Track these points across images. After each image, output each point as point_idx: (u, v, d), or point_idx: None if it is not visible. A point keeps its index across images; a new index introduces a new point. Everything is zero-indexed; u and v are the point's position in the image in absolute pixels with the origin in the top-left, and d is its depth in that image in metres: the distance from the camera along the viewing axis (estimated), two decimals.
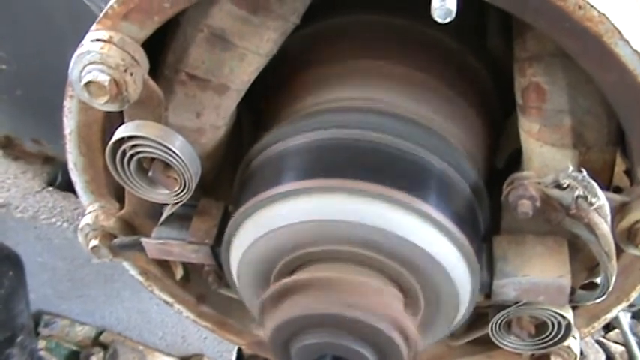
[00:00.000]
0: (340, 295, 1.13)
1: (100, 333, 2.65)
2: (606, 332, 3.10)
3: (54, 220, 2.39)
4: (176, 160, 1.20)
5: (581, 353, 2.88)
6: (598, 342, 3.02)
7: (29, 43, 2.28)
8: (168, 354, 2.64)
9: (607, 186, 1.26)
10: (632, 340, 2.89)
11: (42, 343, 2.57)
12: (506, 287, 1.25)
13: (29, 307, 2.41)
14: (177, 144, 1.20)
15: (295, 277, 1.19)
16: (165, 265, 1.56)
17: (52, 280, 2.50)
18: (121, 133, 1.19)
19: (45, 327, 2.60)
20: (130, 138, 1.19)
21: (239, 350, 2.66)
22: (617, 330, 3.02)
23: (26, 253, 2.36)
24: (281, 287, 1.17)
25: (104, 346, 2.60)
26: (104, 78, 1.09)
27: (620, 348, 2.96)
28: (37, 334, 2.56)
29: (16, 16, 2.22)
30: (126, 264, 1.56)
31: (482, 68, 1.46)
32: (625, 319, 3.00)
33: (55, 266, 2.46)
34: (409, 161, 1.21)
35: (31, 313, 2.48)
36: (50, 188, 2.50)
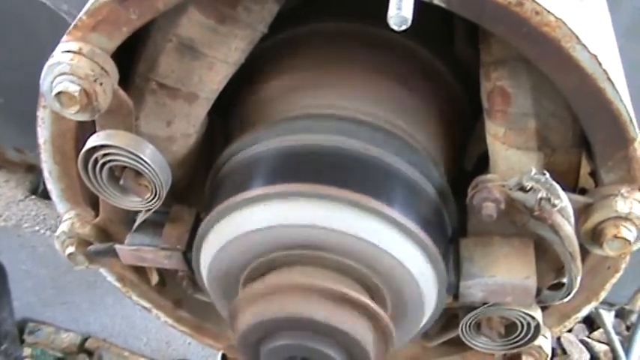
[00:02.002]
0: (308, 298, 1.15)
1: (85, 340, 2.65)
2: (590, 332, 3.12)
3: (37, 228, 2.40)
4: (147, 168, 1.21)
5: (565, 352, 2.93)
6: (582, 341, 3.04)
7: (11, 53, 2.28)
8: (153, 359, 2.65)
9: (573, 188, 1.27)
10: (616, 339, 2.91)
11: (27, 351, 2.58)
12: (473, 288, 1.26)
13: (13, 315, 2.42)
14: (148, 152, 1.21)
15: (263, 281, 1.21)
16: (141, 271, 1.57)
17: (36, 287, 2.51)
18: (92, 142, 1.20)
19: (30, 334, 2.61)
20: (101, 147, 1.20)
21: (223, 355, 2.66)
22: (601, 329, 3.04)
23: (10, 261, 2.36)
24: (250, 292, 1.19)
25: (89, 353, 2.61)
26: (74, 88, 1.11)
27: (605, 347, 2.98)
28: (22, 341, 2.57)
29: None
30: (103, 270, 1.57)
31: (450, 73, 1.47)
32: (609, 318, 3.01)
33: (39, 274, 2.47)
34: (374, 165, 1.23)
35: (16, 321, 2.49)
36: (33, 196, 2.51)
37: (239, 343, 1.22)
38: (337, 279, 1.19)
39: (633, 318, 3.11)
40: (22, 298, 2.52)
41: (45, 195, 2.48)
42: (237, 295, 1.22)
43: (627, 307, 3.14)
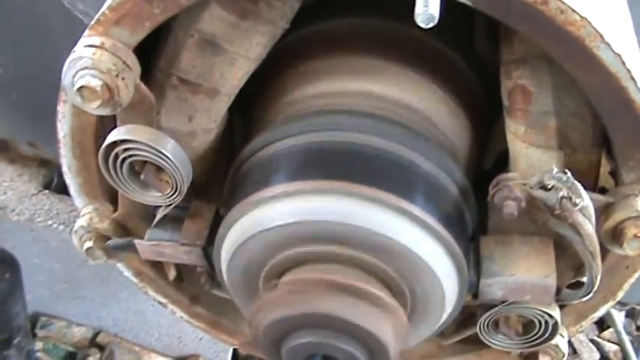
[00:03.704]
0: (329, 295, 1.15)
1: (97, 334, 2.65)
2: (600, 331, 3.11)
3: (50, 222, 2.41)
4: (168, 163, 1.21)
5: (575, 352, 2.92)
6: (592, 341, 3.03)
7: (25, 47, 2.29)
8: (165, 355, 2.65)
9: (593, 187, 1.27)
10: (626, 339, 2.90)
11: (39, 345, 2.58)
12: (493, 287, 1.26)
13: (26, 309, 2.43)
14: (169, 147, 1.21)
15: (285, 278, 1.21)
16: (158, 266, 1.57)
17: (48, 281, 2.51)
18: (113, 136, 1.20)
19: (42, 329, 2.61)
20: (122, 141, 1.20)
21: (234, 351, 2.67)
22: (611, 329, 3.03)
23: (23, 255, 2.37)
24: (272, 289, 1.19)
25: (101, 348, 2.61)
26: (96, 83, 1.11)
27: (615, 347, 2.97)
28: (34, 335, 2.57)
29: (12, 20, 2.24)
30: (120, 265, 1.57)
31: (470, 71, 1.47)
32: (619, 318, 3.01)
33: (52, 268, 2.47)
34: (395, 162, 1.23)
35: (28, 315, 2.49)
36: (46, 191, 2.51)
37: (260, 340, 1.22)
38: (358, 276, 1.19)
39: None
40: (35, 292, 2.52)
41: (58, 189, 2.49)
42: (258, 292, 1.22)
43: (638, 308, 3.14)
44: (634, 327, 3.16)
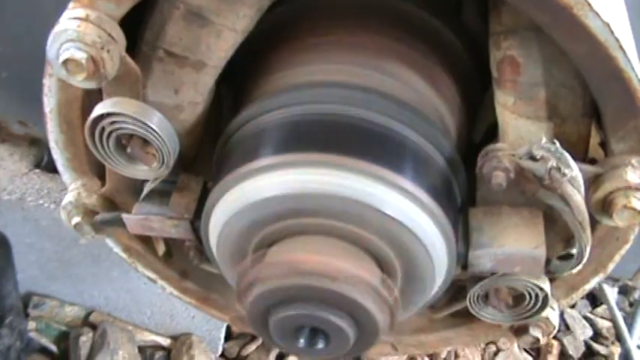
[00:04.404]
0: (317, 267, 1.15)
1: (89, 313, 2.64)
2: (593, 308, 3.12)
3: (41, 201, 2.39)
4: (154, 136, 1.21)
5: (568, 328, 2.93)
6: (585, 317, 3.04)
7: (15, 25, 2.27)
8: (157, 333, 2.65)
9: (582, 158, 1.27)
10: (619, 315, 2.90)
11: (31, 324, 2.57)
12: (482, 258, 1.26)
13: (18, 289, 2.42)
14: (155, 120, 1.21)
15: (272, 249, 1.21)
16: (147, 241, 1.57)
17: (40, 261, 2.50)
18: (99, 109, 1.20)
19: (34, 308, 2.60)
20: (109, 115, 1.19)
21: (228, 328, 2.67)
22: (604, 306, 3.04)
23: (14, 234, 2.36)
24: (259, 259, 1.18)
25: (93, 327, 2.60)
26: (81, 55, 1.10)
27: (607, 323, 2.98)
28: (27, 315, 2.56)
29: None
30: (109, 241, 1.57)
31: (458, 42, 1.47)
32: (612, 294, 3.01)
33: (43, 247, 2.46)
34: (383, 134, 1.22)
35: (20, 295, 2.49)
36: (37, 170, 2.50)
37: (248, 312, 1.22)
38: (347, 248, 1.18)
39: (636, 294, 3.11)
40: (27, 271, 2.51)
41: (49, 168, 2.47)
42: (246, 265, 1.21)
43: (630, 284, 3.14)
44: (627, 303, 3.16)
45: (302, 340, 1.23)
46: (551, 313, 1.43)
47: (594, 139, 1.28)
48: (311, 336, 1.23)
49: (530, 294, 1.34)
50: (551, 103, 1.22)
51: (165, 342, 2.65)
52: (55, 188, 2.42)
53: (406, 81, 1.36)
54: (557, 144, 1.15)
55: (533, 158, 1.16)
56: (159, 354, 2.64)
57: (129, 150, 1.23)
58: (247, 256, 1.26)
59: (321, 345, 1.22)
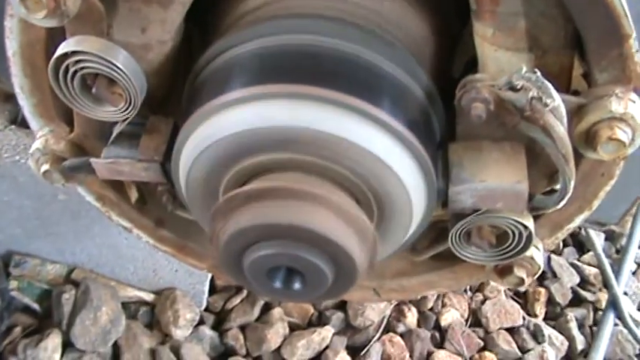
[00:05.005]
0: (292, 204, 1.11)
1: (72, 271, 2.61)
2: (580, 255, 3.11)
3: (18, 157, 2.35)
4: (120, 74, 1.17)
5: (555, 276, 2.92)
6: (572, 265, 3.03)
7: None
8: (140, 288, 2.63)
9: (565, 90, 1.23)
10: (606, 262, 2.91)
11: (13, 284, 2.55)
12: (463, 194, 1.23)
13: None
14: (121, 58, 1.17)
15: (245, 187, 1.16)
16: (120, 189, 1.54)
17: (19, 219, 2.46)
18: (62, 48, 1.16)
19: (15, 267, 2.57)
20: (72, 53, 1.16)
21: (212, 281, 2.65)
22: (591, 253, 3.04)
23: None
24: (231, 198, 1.14)
25: (76, 284, 2.58)
26: None
27: (595, 270, 2.97)
28: (8, 275, 2.54)
29: None
30: (81, 190, 1.53)
31: None
32: (599, 241, 3.02)
33: (22, 205, 2.42)
34: (357, 64, 1.18)
35: (1, 254, 2.46)
36: (12, 126, 2.46)
37: (220, 255, 1.18)
38: (320, 184, 1.15)
39: (623, 241, 3.11)
40: (6, 230, 2.48)
41: (24, 124, 2.43)
42: (217, 204, 1.17)
43: (617, 230, 3.14)
44: (613, 250, 3.16)
45: (278, 282, 1.20)
46: (536, 253, 1.40)
47: (577, 71, 1.25)
48: (287, 276, 1.20)
49: (513, 232, 1.31)
50: (531, 34, 1.18)
51: (149, 297, 2.62)
52: (31, 144, 2.38)
53: (382, 12, 1.32)
54: (539, 73, 1.12)
55: (513, 88, 1.12)
56: (143, 309, 2.61)
57: (94, 90, 1.19)
58: (219, 196, 1.23)
59: (297, 285, 1.19)
